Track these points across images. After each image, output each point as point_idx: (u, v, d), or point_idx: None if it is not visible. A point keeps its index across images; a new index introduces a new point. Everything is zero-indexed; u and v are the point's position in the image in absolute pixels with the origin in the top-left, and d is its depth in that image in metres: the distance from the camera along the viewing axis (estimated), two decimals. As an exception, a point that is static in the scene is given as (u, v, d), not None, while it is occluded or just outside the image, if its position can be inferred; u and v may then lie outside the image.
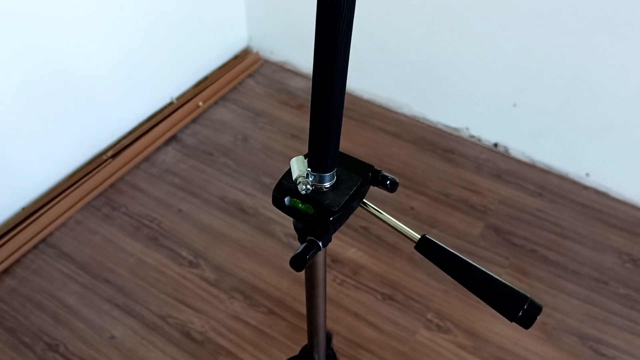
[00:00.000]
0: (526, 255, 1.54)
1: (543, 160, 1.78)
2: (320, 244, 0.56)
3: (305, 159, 0.56)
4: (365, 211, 0.61)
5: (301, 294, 1.45)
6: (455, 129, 1.90)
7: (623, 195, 1.69)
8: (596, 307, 1.43)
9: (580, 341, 1.37)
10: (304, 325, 1.38)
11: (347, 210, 0.56)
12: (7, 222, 1.56)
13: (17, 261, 1.51)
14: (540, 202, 1.68)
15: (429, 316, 1.41)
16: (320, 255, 0.67)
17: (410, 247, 1.31)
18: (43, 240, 1.57)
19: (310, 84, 2.07)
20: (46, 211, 1.59)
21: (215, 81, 2.05)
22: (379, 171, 0.60)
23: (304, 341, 0.91)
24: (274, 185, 0.58)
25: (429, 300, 1.44)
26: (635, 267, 1.52)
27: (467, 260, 0.56)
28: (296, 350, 1.01)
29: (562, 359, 1.33)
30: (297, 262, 0.54)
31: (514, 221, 1.63)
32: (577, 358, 1.33)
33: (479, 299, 0.56)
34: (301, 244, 0.57)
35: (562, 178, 1.76)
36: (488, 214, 1.65)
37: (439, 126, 1.93)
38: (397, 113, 1.98)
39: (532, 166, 1.80)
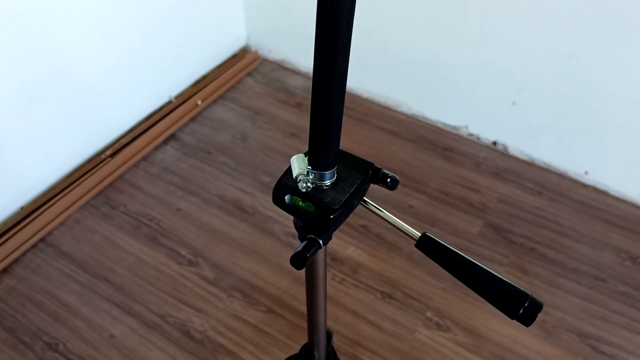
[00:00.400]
0: (525, 254, 1.54)
1: (542, 158, 1.79)
2: (321, 242, 0.56)
3: (305, 156, 0.56)
4: (364, 209, 0.61)
5: (300, 292, 1.45)
6: (454, 128, 1.90)
7: (622, 194, 1.69)
8: (595, 305, 1.43)
9: (580, 339, 1.37)
10: (304, 324, 1.38)
11: (347, 208, 0.56)
12: (6, 222, 1.56)
13: (16, 260, 1.51)
14: (539, 200, 1.69)
15: (429, 314, 1.41)
16: (321, 253, 0.67)
17: (410, 245, 1.31)
18: (42, 240, 1.56)
19: (309, 82, 2.07)
20: (45, 210, 1.59)
21: (214, 80, 2.04)
22: (379, 169, 0.60)
23: (304, 340, 0.91)
24: (273, 184, 0.58)
25: (429, 298, 1.44)
26: (634, 265, 1.52)
27: (468, 257, 0.56)
28: (296, 348, 1.01)
29: (562, 356, 1.34)
30: (298, 260, 0.54)
31: (513, 219, 1.63)
32: (576, 356, 1.34)
33: (478, 297, 0.56)
34: (301, 242, 0.57)
35: (561, 176, 1.76)
36: (487, 212, 1.65)
37: (438, 125, 1.93)
38: (396, 112, 1.98)
39: (531, 164, 1.80)
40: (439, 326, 1.39)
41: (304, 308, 1.37)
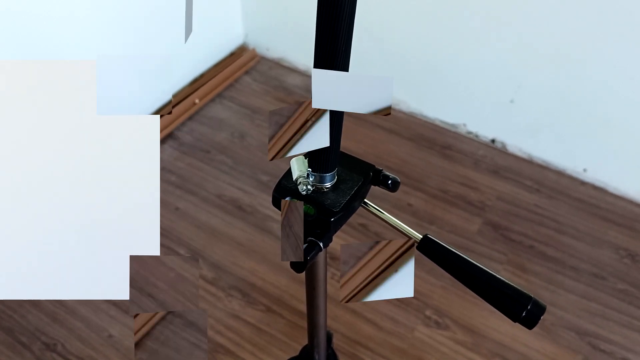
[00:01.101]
0: (524, 251, 1.54)
1: (540, 156, 1.78)
2: (321, 244, 0.56)
3: (305, 158, 0.56)
4: (364, 209, 0.61)
5: (299, 291, 1.44)
6: (453, 125, 1.90)
7: (621, 191, 1.69)
8: (594, 303, 1.43)
9: (579, 337, 1.37)
10: (303, 323, 1.38)
11: (348, 210, 0.56)
12: (3, 221, 1.56)
13: (14, 260, 1.51)
14: (538, 198, 1.68)
15: (428, 313, 1.40)
16: (321, 255, 0.67)
17: (409, 244, 1.31)
18: (39, 239, 1.56)
19: (307, 80, 2.06)
20: (42, 210, 1.58)
21: (212, 78, 2.04)
22: (380, 171, 0.59)
23: (303, 339, 0.91)
24: (272, 182, 0.57)
25: (428, 297, 1.43)
26: (633, 263, 1.52)
27: (470, 260, 0.55)
28: (295, 348, 1.01)
29: (561, 354, 1.34)
30: (298, 263, 0.54)
31: (511, 217, 1.63)
32: (576, 353, 1.34)
33: (477, 295, 0.55)
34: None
35: (560, 174, 1.76)
36: (486, 210, 1.65)
37: (437, 122, 1.92)
38: (394, 110, 1.98)
39: (529, 162, 1.80)
40: (438, 324, 1.39)
41: (303, 307, 1.37)
